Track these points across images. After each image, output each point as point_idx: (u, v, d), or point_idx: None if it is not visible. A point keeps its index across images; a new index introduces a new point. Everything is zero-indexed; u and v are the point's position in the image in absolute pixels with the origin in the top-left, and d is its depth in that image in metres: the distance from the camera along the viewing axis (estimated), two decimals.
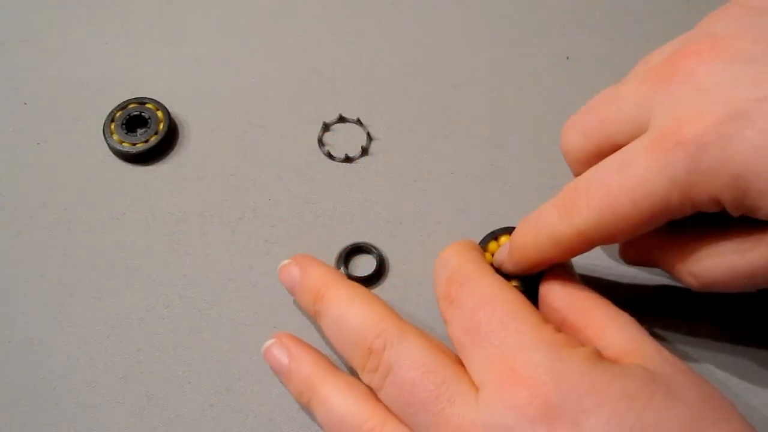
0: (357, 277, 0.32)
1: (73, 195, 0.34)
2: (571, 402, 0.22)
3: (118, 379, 0.30)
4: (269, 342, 0.29)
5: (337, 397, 0.27)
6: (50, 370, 0.30)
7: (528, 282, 0.29)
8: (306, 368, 0.28)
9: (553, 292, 0.27)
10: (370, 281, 0.32)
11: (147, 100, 0.36)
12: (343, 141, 0.36)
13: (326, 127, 0.36)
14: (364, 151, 0.35)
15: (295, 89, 0.37)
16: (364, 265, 0.33)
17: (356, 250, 0.33)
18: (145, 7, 0.40)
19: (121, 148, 0.35)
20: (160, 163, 0.35)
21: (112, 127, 0.35)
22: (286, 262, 0.31)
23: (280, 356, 0.29)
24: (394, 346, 0.26)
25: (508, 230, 0.30)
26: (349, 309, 0.27)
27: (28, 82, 0.38)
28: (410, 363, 0.25)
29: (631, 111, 0.26)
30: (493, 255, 0.30)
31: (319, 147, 0.36)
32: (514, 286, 0.28)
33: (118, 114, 0.36)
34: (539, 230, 0.27)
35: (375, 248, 0.32)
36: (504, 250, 0.29)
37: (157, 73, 0.38)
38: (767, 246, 0.24)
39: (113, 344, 0.31)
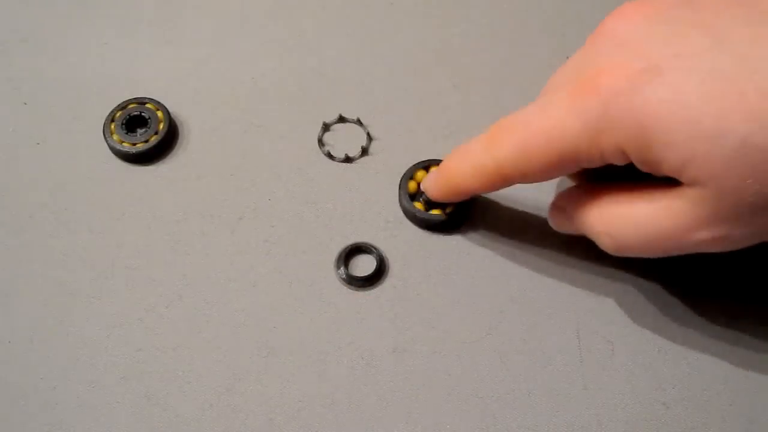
0: (357, 277, 0.32)
1: (73, 195, 0.34)
2: None
3: (118, 379, 0.30)
4: None
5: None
6: (50, 370, 0.30)
7: (451, 215, 0.32)
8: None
9: None
10: (370, 281, 0.32)
11: (147, 100, 0.36)
12: (343, 141, 0.36)
13: (326, 127, 0.36)
14: (364, 151, 0.35)
15: (295, 89, 0.37)
16: (364, 265, 0.33)
17: (356, 250, 0.33)
18: (145, 7, 0.40)
19: (121, 148, 0.35)
20: (160, 163, 0.35)
21: (112, 127, 0.35)
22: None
23: None
24: None
25: (437, 162, 0.33)
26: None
27: (28, 82, 0.38)
28: None
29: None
30: (419, 183, 0.33)
31: (319, 147, 0.36)
32: (438, 213, 0.32)
33: (118, 114, 0.36)
34: (465, 159, 0.29)
35: (375, 248, 0.32)
36: (432, 176, 0.32)
37: (157, 73, 0.38)
38: (672, 201, 0.25)
39: (113, 344, 0.31)
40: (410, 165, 0.34)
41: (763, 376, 0.30)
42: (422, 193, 0.33)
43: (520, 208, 0.34)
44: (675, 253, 0.26)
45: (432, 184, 0.31)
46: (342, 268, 0.32)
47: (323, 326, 0.31)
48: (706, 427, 0.29)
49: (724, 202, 0.23)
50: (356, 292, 0.32)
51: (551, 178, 0.28)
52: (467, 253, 0.33)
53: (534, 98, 0.27)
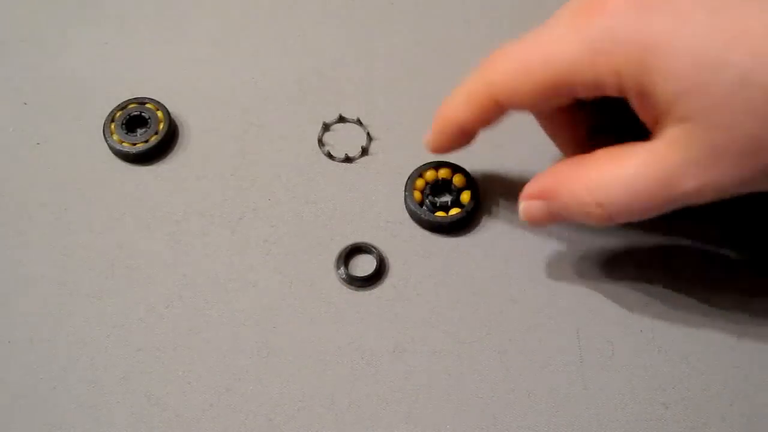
0: (357, 277, 0.32)
1: (73, 195, 0.34)
2: None
3: (118, 379, 0.30)
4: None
5: None
6: (50, 370, 0.30)
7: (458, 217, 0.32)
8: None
9: None
10: (370, 281, 0.32)
11: (147, 100, 0.36)
12: (343, 141, 0.36)
13: (326, 127, 0.36)
14: (364, 151, 0.35)
15: (295, 89, 0.37)
16: (364, 265, 0.33)
17: (356, 250, 0.33)
18: (145, 7, 0.40)
19: (121, 148, 0.35)
20: (160, 163, 0.35)
21: (112, 127, 0.35)
22: None
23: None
24: None
25: (442, 163, 0.33)
26: None
27: (28, 82, 0.38)
28: None
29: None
30: (427, 182, 0.33)
31: (319, 147, 0.36)
32: (443, 215, 0.32)
33: (118, 114, 0.36)
34: (459, 89, 0.28)
35: (375, 248, 0.32)
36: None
37: (157, 73, 0.38)
38: (658, 149, 0.24)
39: (113, 344, 0.31)
40: (410, 165, 0.34)
41: (763, 376, 0.30)
42: (428, 195, 0.33)
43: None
44: (666, 209, 0.25)
45: (428, 133, 0.30)
46: (342, 268, 0.32)
47: (323, 326, 0.31)
48: (706, 427, 0.29)
49: (713, 139, 0.23)
50: (356, 292, 0.32)
51: (542, 107, 0.27)
52: (467, 253, 0.33)
53: None
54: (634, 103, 0.25)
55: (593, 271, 0.32)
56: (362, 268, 0.32)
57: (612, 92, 0.25)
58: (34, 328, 0.31)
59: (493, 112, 0.28)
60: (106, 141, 0.35)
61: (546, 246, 0.33)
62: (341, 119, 0.36)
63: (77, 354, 0.31)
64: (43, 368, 0.30)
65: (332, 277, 0.32)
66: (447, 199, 0.33)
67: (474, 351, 0.31)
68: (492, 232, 0.33)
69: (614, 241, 0.33)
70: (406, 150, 0.35)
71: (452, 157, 0.33)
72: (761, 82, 0.22)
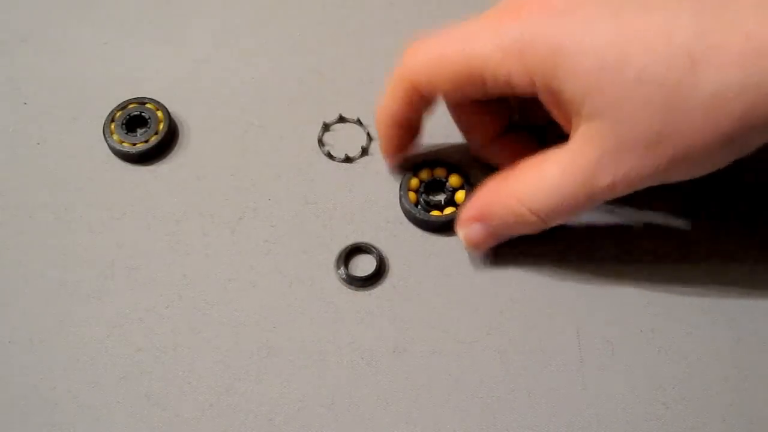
0: (357, 277, 0.32)
1: (73, 195, 0.34)
2: None
3: (118, 379, 0.30)
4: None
5: None
6: (50, 370, 0.30)
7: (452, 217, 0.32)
8: None
9: None
10: (370, 281, 0.32)
11: (147, 100, 0.36)
12: (343, 141, 0.36)
13: (326, 127, 0.36)
14: (364, 151, 0.35)
15: (295, 89, 0.37)
16: (364, 265, 0.33)
17: (356, 250, 0.33)
18: (145, 7, 0.40)
19: (121, 148, 0.35)
20: (160, 163, 0.35)
21: (112, 127, 0.35)
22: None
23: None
24: None
25: (438, 163, 0.34)
26: None
27: (28, 82, 0.38)
28: None
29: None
30: (421, 181, 0.34)
31: (319, 147, 0.36)
32: (438, 215, 0.32)
33: (118, 114, 0.36)
34: (388, 82, 0.30)
35: (375, 248, 0.32)
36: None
37: (157, 73, 0.38)
38: (574, 148, 0.26)
39: (113, 344, 0.31)
40: (410, 165, 0.34)
41: (763, 376, 0.30)
42: (422, 194, 0.33)
43: None
44: (590, 206, 0.27)
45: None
46: (342, 268, 0.32)
47: (323, 326, 0.31)
48: (706, 427, 0.29)
49: (619, 135, 0.25)
50: (356, 292, 0.32)
51: (457, 97, 0.29)
52: (467, 253, 0.33)
53: None
54: (547, 104, 0.27)
55: (593, 271, 0.32)
56: (362, 268, 0.32)
57: (524, 92, 0.26)
58: (34, 328, 0.31)
59: (416, 100, 0.30)
60: (106, 141, 0.35)
61: (546, 246, 0.33)
62: (341, 119, 0.36)
63: (77, 354, 0.31)
64: (43, 368, 0.30)
65: (332, 277, 0.32)
66: (440, 198, 0.33)
67: (474, 351, 0.31)
68: None
69: (614, 241, 0.33)
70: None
71: (450, 158, 0.33)
72: (656, 78, 0.23)
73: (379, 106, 0.31)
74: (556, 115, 0.27)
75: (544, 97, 0.26)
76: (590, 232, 0.33)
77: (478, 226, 0.30)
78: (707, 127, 0.24)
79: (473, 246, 0.31)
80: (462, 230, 0.31)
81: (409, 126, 0.32)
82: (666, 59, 0.23)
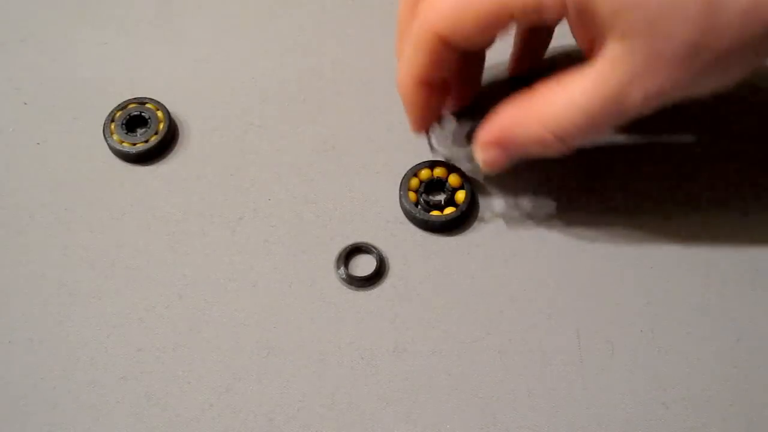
0: (357, 277, 0.32)
1: (73, 195, 0.34)
2: None
3: (118, 379, 0.30)
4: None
5: None
6: (50, 370, 0.30)
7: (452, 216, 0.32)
8: None
9: None
10: (370, 281, 0.32)
11: (147, 100, 0.36)
12: (344, 141, 0.36)
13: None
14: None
15: (295, 89, 0.37)
16: (364, 265, 0.33)
17: (356, 250, 0.33)
18: (145, 7, 0.40)
19: (121, 148, 0.35)
20: (160, 163, 0.35)
21: (112, 127, 0.35)
22: None
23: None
24: None
25: (439, 163, 0.34)
26: None
27: (28, 82, 0.38)
28: None
29: None
30: (421, 181, 0.33)
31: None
32: (438, 214, 0.32)
33: (118, 114, 0.36)
34: (405, 45, 0.29)
35: (375, 248, 0.32)
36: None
37: (157, 73, 0.38)
38: (603, 64, 0.26)
39: (113, 344, 0.31)
40: (410, 165, 0.34)
41: (763, 376, 0.30)
42: (422, 194, 0.33)
43: (520, 209, 0.34)
44: (617, 123, 0.27)
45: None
46: (342, 268, 0.32)
47: (323, 326, 0.31)
48: (706, 427, 0.29)
49: (654, 50, 0.24)
50: (356, 292, 0.32)
51: (485, 42, 0.28)
52: (467, 253, 0.33)
53: None
54: (574, 24, 0.26)
55: (593, 270, 0.32)
56: (362, 268, 0.32)
57: (552, 14, 0.26)
58: (34, 328, 0.31)
59: (443, 54, 0.28)
60: (106, 141, 0.35)
61: (545, 245, 0.33)
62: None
63: (77, 354, 0.31)
64: (43, 368, 0.30)
65: (332, 277, 0.32)
66: (440, 198, 0.33)
67: (474, 351, 0.31)
68: (492, 231, 0.33)
69: (614, 241, 0.33)
70: (406, 150, 0.35)
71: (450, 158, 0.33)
72: None
73: (401, 69, 0.30)
74: (581, 36, 0.27)
75: (572, 17, 0.26)
76: (590, 231, 0.33)
77: (497, 151, 0.29)
78: (745, 33, 0.24)
79: (491, 168, 0.30)
80: (480, 154, 0.30)
81: (436, 87, 0.30)
82: None
